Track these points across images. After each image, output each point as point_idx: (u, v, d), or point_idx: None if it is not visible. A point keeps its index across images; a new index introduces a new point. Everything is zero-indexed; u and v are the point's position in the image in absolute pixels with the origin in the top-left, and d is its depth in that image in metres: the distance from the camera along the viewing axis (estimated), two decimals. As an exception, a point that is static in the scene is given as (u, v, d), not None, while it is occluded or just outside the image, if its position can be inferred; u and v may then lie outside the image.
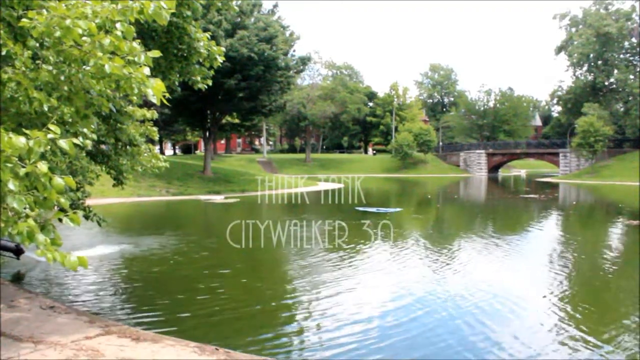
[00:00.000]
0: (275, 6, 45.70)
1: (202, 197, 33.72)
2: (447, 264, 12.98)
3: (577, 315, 8.73)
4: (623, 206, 31.31)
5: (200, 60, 8.12)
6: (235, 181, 41.13)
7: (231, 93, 39.80)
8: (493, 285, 10.69)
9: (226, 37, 36.90)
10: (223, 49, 8.14)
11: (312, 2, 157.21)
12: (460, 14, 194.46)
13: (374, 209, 25.11)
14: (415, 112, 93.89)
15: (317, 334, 7.81)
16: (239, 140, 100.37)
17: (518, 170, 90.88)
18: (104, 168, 9.28)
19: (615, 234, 20.44)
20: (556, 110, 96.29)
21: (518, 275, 12.03)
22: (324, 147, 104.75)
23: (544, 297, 9.86)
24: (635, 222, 21.80)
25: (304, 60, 47.63)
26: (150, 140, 9.60)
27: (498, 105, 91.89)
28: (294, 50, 47.07)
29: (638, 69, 68.46)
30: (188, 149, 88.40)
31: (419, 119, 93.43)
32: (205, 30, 11.20)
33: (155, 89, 4.31)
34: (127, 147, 8.56)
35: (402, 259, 13.57)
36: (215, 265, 12.88)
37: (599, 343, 7.41)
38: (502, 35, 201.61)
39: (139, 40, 4.81)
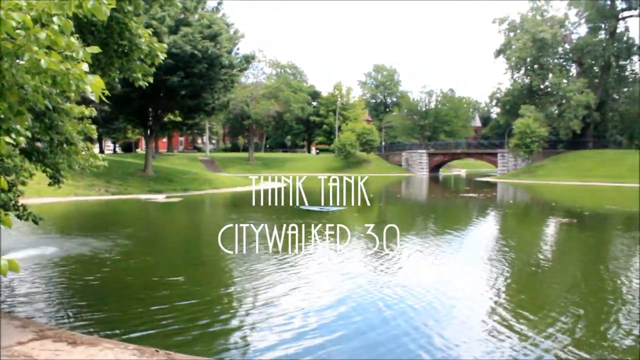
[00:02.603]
0: (219, 3, 45.07)
1: (143, 197, 32.95)
2: (388, 263, 13.12)
3: (515, 313, 8.98)
4: (555, 205, 32.59)
5: (142, 56, 7.91)
6: (177, 180, 40.43)
7: (174, 90, 39.02)
8: (432, 284, 10.88)
9: (169, 34, 36.16)
10: (165, 45, 7.97)
11: (257, 0, 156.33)
12: (404, 15, 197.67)
13: (317, 208, 25.17)
14: (358, 112, 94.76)
15: (257, 334, 7.77)
16: (181, 139, 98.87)
17: (458, 169, 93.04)
18: (39, 167, 8.92)
19: (549, 232, 21.25)
20: (495, 111, 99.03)
21: (457, 273, 12.32)
22: (267, 146, 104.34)
23: (482, 294, 10.15)
24: (565, 220, 22.76)
25: (248, 59, 47.17)
26: (89, 139, 9.25)
27: (439, 106, 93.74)
28: (238, 49, 46.59)
29: (571, 74, 71.39)
30: (129, 147, 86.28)
31: (362, 118, 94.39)
32: (147, 26, 10.93)
33: (94, 86, 4.18)
34: (64, 145, 8.26)
35: (343, 258, 13.65)
36: (154, 267, 12.64)
37: (535, 338, 7.67)
38: (444, 38, 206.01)
39: (77, 35, 4.65)
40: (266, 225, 14.16)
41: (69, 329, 7.53)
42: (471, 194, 40.69)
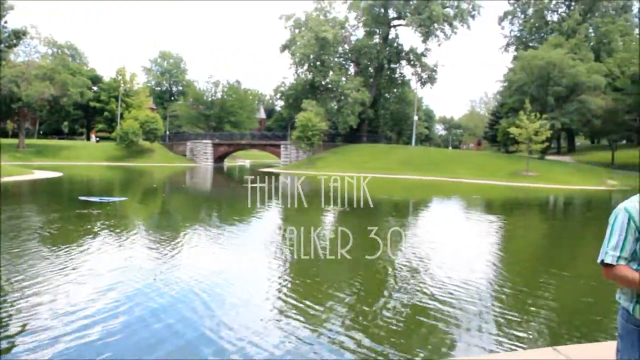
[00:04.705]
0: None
1: None
2: (171, 254, 12.90)
3: (294, 299, 9.41)
4: (333, 195, 35.01)
5: None
6: None
7: None
8: (213, 273, 10.90)
9: None
10: None
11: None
12: (191, 3, 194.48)
13: (97, 199, 23.94)
14: (142, 100, 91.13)
15: (40, 334, 7.22)
16: None
17: (243, 160, 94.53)
18: None
19: (327, 219, 22.83)
20: (279, 104, 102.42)
21: (237, 261, 12.51)
22: (41, 132, 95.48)
23: (268, 283, 10.50)
24: (340, 209, 24.66)
25: (18, 34, 42.79)
26: None
27: (225, 96, 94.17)
28: (5, 22, 41.94)
29: (349, 72, 76.87)
30: None
31: (146, 106, 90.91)
32: None
33: None
34: None
35: (124, 250, 13.07)
36: None
37: (313, 323, 8.18)
38: (232, 29, 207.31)
39: None
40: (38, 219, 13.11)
41: None
42: (255, 184, 41.75)
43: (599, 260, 2.84)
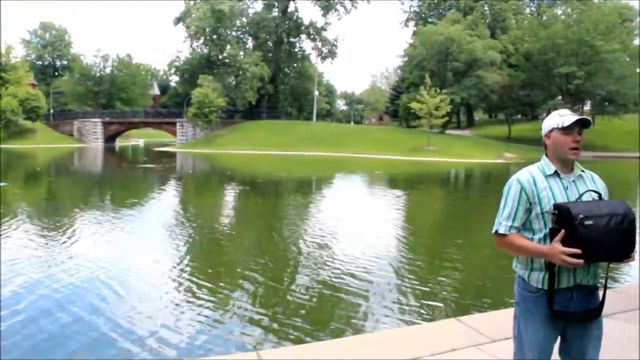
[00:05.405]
0: None
1: None
2: (67, 241, 12.08)
3: (196, 282, 9.04)
4: (231, 174, 34.50)
5: None
6: None
7: None
8: (120, 260, 10.32)
9: None
10: None
11: None
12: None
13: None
14: (21, 75, 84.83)
15: None
16: None
17: (136, 139, 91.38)
18: None
19: (226, 199, 22.33)
20: (174, 80, 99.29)
21: (144, 247, 12.03)
22: None
23: (176, 266, 10.00)
24: (240, 188, 24.28)
25: None
26: None
27: (115, 72, 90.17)
28: None
29: (247, 47, 75.60)
30: None
31: (25, 82, 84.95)
32: None
33: None
34: None
35: (12, 240, 12.04)
36: None
37: (216, 305, 7.85)
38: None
39: None
40: None
41: None
42: (150, 165, 40.37)
43: (493, 231, 2.93)
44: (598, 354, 2.90)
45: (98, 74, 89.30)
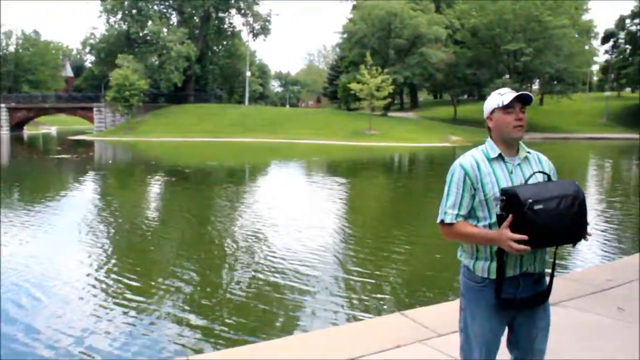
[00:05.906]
0: None
1: None
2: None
3: (120, 281, 8.94)
4: (157, 163, 33.97)
5: None
6: None
7: None
8: (37, 262, 10.03)
9: None
10: None
11: None
12: None
13: None
14: None
15: None
16: None
17: (48, 127, 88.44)
18: None
19: (150, 192, 22.02)
20: (89, 60, 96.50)
21: (63, 246, 11.73)
22: None
23: (101, 265, 9.83)
24: (166, 179, 24.02)
25: None
26: None
27: (21, 50, 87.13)
28: None
29: (172, 23, 73.84)
30: None
31: None
32: None
33: None
34: None
35: None
36: None
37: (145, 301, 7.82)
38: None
39: None
40: None
41: None
42: (65, 155, 39.30)
43: (438, 221, 2.97)
44: (545, 344, 3.00)
45: (1, 53, 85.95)
